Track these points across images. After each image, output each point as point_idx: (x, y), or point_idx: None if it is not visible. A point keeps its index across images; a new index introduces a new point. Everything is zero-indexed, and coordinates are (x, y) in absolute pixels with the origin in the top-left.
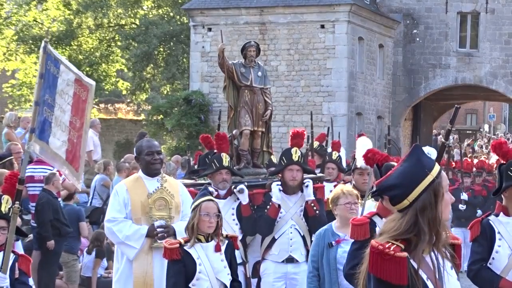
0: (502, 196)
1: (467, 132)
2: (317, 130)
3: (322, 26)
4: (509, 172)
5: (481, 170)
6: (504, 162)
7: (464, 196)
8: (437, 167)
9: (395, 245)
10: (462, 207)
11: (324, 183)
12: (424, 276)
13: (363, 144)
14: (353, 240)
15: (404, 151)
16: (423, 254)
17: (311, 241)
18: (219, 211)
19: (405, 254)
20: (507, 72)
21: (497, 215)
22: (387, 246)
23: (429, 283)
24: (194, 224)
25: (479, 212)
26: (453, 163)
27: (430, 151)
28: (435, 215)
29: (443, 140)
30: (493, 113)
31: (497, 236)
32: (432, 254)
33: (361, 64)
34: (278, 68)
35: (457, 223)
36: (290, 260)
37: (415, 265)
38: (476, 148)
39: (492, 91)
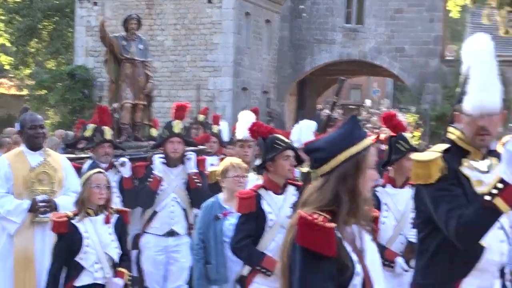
0: (391, 168)
1: (351, 107)
2: (203, 105)
3: (209, 1)
4: (397, 145)
5: None
6: (394, 134)
7: None
8: (366, 142)
9: (322, 216)
10: None
11: (206, 156)
12: (349, 248)
13: (245, 117)
14: (239, 214)
15: (288, 125)
16: (346, 226)
17: (195, 215)
18: (109, 183)
19: (333, 224)
20: (392, 47)
21: (384, 187)
22: (315, 216)
23: (353, 255)
24: (85, 198)
25: None
26: None
27: (310, 124)
28: (355, 186)
29: (328, 112)
30: (377, 88)
31: (384, 207)
32: (354, 226)
33: (248, 39)
34: (165, 43)
35: None
36: (171, 233)
37: (340, 236)
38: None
39: (377, 67)
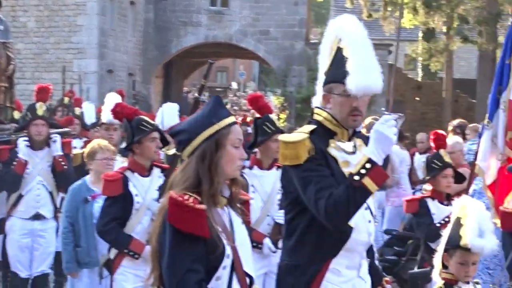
0: (257, 150)
1: (217, 89)
2: (68, 88)
3: None
4: (263, 127)
5: None
6: (260, 116)
7: None
8: (228, 120)
9: (192, 197)
10: None
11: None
12: (218, 229)
13: (111, 100)
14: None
15: (155, 108)
16: (216, 207)
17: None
18: None
19: (203, 206)
20: (257, 30)
21: (251, 168)
22: (185, 197)
23: (222, 236)
24: None
25: None
26: None
27: (173, 107)
28: (216, 165)
29: (196, 95)
30: (243, 71)
31: (251, 189)
32: (225, 207)
33: (112, 21)
34: (27, 25)
35: None
36: (37, 216)
37: (209, 217)
38: (229, 106)
39: (242, 49)
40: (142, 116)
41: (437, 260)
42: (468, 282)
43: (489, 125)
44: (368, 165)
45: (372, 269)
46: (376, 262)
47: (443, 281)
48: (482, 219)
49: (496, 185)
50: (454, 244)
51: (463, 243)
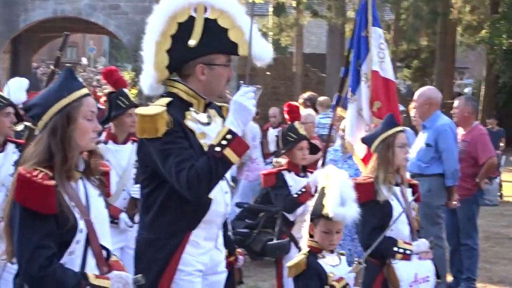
0: (111, 124)
1: (67, 65)
2: None
3: None
4: (118, 101)
5: None
6: (115, 90)
7: None
8: (79, 93)
9: (43, 173)
10: None
11: None
12: (71, 204)
13: None
14: None
15: (3, 83)
16: (71, 181)
17: None
18: None
19: (52, 182)
20: (106, 4)
21: (106, 143)
22: (34, 173)
23: (75, 210)
24: None
25: None
26: None
27: (20, 82)
28: (68, 138)
29: (52, 68)
30: (94, 46)
31: (106, 164)
32: (80, 181)
33: None
34: None
35: None
36: None
37: (61, 192)
38: None
39: (92, 24)
40: None
41: (304, 230)
42: (332, 252)
43: (352, 98)
44: (228, 136)
45: (226, 241)
46: (230, 234)
47: (308, 249)
48: (344, 188)
49: (367, 157)
50: (317, 214)
51: (325, 212)
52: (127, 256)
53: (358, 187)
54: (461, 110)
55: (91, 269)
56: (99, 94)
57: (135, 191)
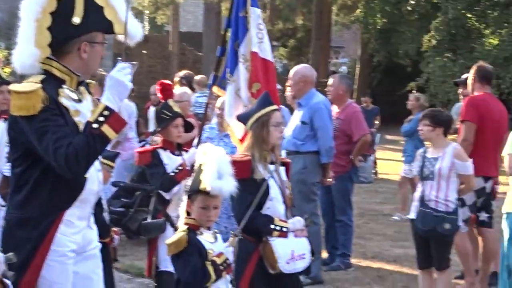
0: None
1: None
2: None
3: None
4: None
5: None
6: None
7: None
8: None
9: None
10: None
11: None
12: None
13: None
14: None
15: None
16: None
17: None
18: None
19: None
20: None
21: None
22: None
23: None
24: None
25: None
26: None
27: None
28: None
29: None
30: None
31: None
32: None
33: None
34: None
35: None
36: None
37: None
38: None
39: None
40: None
41: (182, 208)
42: (209, 229)
43: (231, 79)
44: (105, 112)
45: (100, 222)
46: (105, 214)
47: (186, 226)
48: (221, 162)
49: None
50: (195, 189)
51: (203, 186)
52: None
53: (235, 164)
54: (336, 88)
55: None
56: None
57: (7, 169)
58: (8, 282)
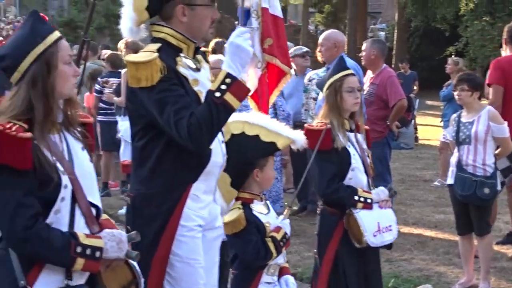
0: None
1: None
2: None
3: None
4: None
5: None
6: None
7: None
8: (53, 36)
9: (17, 125)
10: None
11: None
12: (53, 159)
13: None
14: None
15: None
16: (50, 134)
17: None
18: None
19: (29, 134)
20: None
21: None
22: (8, 126)
23: (58, 166)
24: None
25: None
26: None
27: None
28: (49, 88)
29: None
30: None
31: None
32: (61, 134)
33: None
34: None
35: None
36: None
37: (41, 146)
38: None
39: None
40: None
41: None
42: (261, 200)
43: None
44: (228, 80)
45: None
46: None
47: (239, 202)
48: (271, 122)
49: (259, 93)
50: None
51: (284, 141)
52: None
53: (314, 133)
54: (368, 53)
55: (80, 228)
56: None
57: None
58: (133, 262)
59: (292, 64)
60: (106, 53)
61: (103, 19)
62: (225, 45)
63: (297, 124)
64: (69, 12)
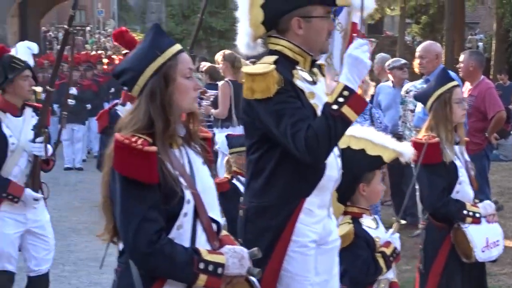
0: None
1: (78, 28)
2: None
3: None
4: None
5: (90, 64)
6: (129, 51)
7: (74, 91)
8: (173, 50)
9: (142, 139)
10: (71, 102)
11: None
12: (175, 173)
13: None
14: None
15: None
16: (172, 148)
17: None
18: None
19: (154, 148)
20: None
21: (124, 105)
22: (133, 139)
23: (181, 180)
24: None
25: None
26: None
27: (29, 46)
28: (167, 101)
29: (66, 27)
30: (102, 9)
31: None
32: (182, 148)
33: None
34: None
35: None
36: None
37: (165, 160)
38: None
39: None
40: (11, 54)
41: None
42: (370, 214)
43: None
44: (345, 93)
45: None
46: None
47: (349, 216)
48: (376, 135)
49: None
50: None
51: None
52: (36, 241)
53: (425, 147)
54: (466, 64)
55: (202, 244)
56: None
57: (37, 148)
58: (253, 279)
59: (390, 76)
60: (204, 65)
61: (200, 32)
62: (344, 56)
63: (395, 136)
64: (167, 25)
